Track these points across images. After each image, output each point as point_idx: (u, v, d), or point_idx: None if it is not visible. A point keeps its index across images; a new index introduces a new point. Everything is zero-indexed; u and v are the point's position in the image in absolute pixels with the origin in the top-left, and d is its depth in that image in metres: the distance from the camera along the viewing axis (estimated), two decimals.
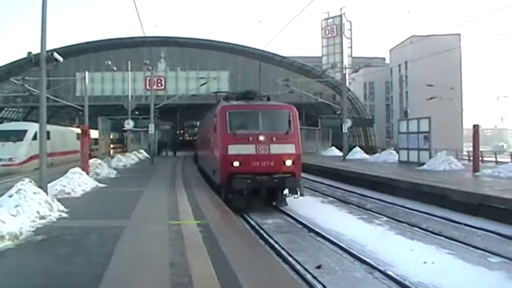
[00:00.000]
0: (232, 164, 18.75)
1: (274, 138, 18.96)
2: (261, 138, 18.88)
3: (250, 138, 18.87)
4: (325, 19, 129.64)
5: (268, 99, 22.33)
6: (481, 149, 34.02)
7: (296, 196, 19.62)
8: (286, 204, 19.87)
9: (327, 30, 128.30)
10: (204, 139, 28.55)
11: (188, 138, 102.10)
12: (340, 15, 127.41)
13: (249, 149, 18.81)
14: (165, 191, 20.25)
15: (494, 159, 46.05)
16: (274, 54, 68.87)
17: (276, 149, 18.91)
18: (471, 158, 36.20)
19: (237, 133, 19.20)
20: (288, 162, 19.07)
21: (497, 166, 29.15)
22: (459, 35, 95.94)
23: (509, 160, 41.62)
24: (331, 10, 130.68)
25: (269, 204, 20.06)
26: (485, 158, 45.10)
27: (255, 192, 19.01)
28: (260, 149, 18.79)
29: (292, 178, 19.16)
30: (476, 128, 28.29)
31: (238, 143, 18.92)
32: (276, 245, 13.59)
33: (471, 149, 34.16)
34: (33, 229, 11.79)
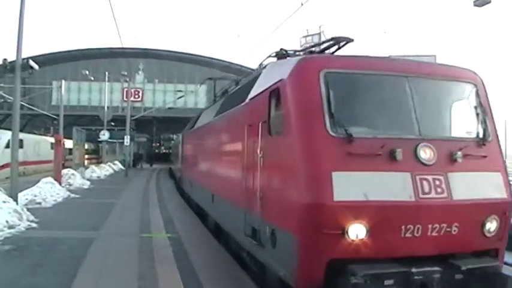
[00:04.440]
0: (343, 232, 6.31)
1: (455, 156, 7.01)
2: (426, 154, 6.87)
3: (398, 156, 6.65)
4: (303, 36, 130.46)
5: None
6: None
7: None
8: None
9: (306, 48, 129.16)
10: (211, 154, 14.27)
11: (164, 151, 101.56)
12: (319, 33, 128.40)
13: (393, 188, 6.59)
14: (138, 204, 20.16)
15: None
16: (252, 69, 69.01)
17: (464, 186, 6.96)
18: None
19: (356, 138, 6.65)
20: (491, 225, 7.16)
21: None
22: (435, 56, 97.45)
23: None
24: (310, 28, 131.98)
25: None
26: None
27: None
28: (425, 188, 6.70)
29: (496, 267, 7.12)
30: None
31: (359, 168, 6.58)
32: None
33: None
34: (1, 238, 11.64)
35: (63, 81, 38.12)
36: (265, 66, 9.66)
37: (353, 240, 6.12)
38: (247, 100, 9.32)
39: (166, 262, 9.77)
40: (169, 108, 61.06)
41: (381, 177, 6.40)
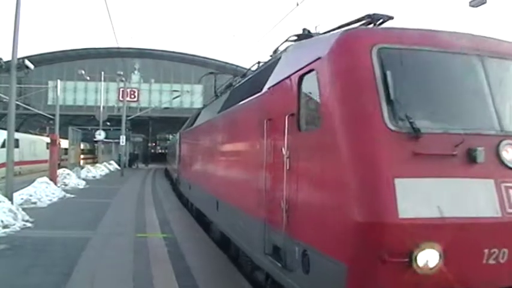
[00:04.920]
0: (410, 260, 4.60)
1: None
2: (510, 154, 5.11)
3: (479, 157, 4.89)
4: None
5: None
6: None
7: None
8: None
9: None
10: (215, 155, 12.64)
11: (160, 151, 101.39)
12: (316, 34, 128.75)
13: (473, 200, 4.83)
14: (134, 203, 20.14)
15: None
16: (247, 69, 68.91)
17: None
18: None
19: (424, 133, 4.91)
20: None
21: None
22: None
23: None
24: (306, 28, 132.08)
25: None
26: None
27: None
28: None
29: None
30: None
31: (429, 173, 4.81)
32: None
33: None
34: None
35: (58, 80, 38.04)
36: (284, 50, 7.99)
37: (422, 270, 4.56)
38: (264, 90, 7.69)
39: (161, 262, 9.76)
40: (165, 108, 61.16)
41: (458, 186, 4.76)
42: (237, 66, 66.39)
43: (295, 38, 8.09)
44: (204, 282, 8.42)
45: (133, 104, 63.49)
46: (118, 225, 14.39)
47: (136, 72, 69.79)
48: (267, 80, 7.73)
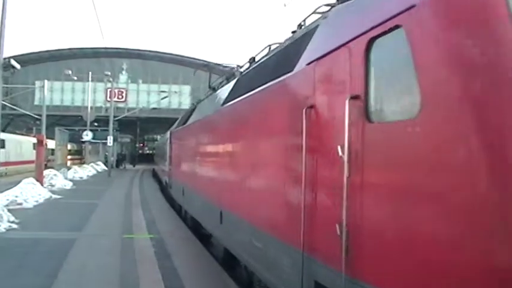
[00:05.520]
0: None
1: None
2: None
3: None
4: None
5: None
6: None
7: None
8: None
9: None
10: (219, 156, 10.58)
11: (148, 151, 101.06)
12: None
13: None
14: (121, 204, 20.09)
15: None
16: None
17: None
18: None
19: None
20: None
21: None
22: None
23: None
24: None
25: None
26: None
27: None
28: None
29: None
30: None
31: None
32: None
33: None
34: None
35: (46, 81, 37.83)
36: (322, 17, 5.97)
37: None
38: (298, 68, 5.74)
39: (148, 262, 9.76)
40: (153, 108, 60.98)
41: None
42: (225, 66, 66.37)
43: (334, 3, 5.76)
44: (191, 282, 8.44)
45: (121, 105, 63.25)
46: (105, 226, 14.35)
47: (124, 72, 69.51)
48: (301, 55, 5.81)
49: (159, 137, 77.38)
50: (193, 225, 14.11)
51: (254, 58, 9.54)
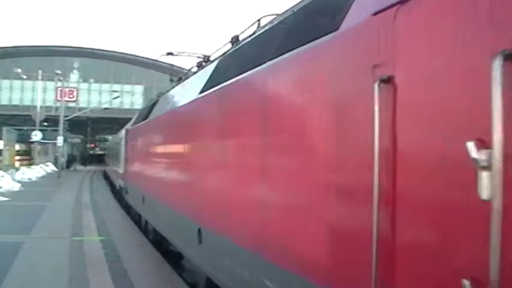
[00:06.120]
0: None
1: None
2: None
3: None
4: None
5: None
6: None
7: None
8: None
9: None
10: (196, 157, 8.01)
11: (99, 152, 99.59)
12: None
13: None
14: (71, 206, 19.78)
15: None
16: (189, 70, 68.73)
17: None
18: None
19: None
20: None
21: None
22: None
23: None
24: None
25: None
26: None
27: None
28: None
29: None
30: None
31: None
32: None
33: None
34: None
35: None
36: None
37: None
38: (355, 21, 3.61)
39: (97, 265, 9.68)
40: (105, 108, 60.20)
41: None
42: (182, 68, 66.21)
43: None
44: (141, 284, 8.42)
45: (72, 104, 62.12)
46: (53, 229, 14.11)
47: (75, 71, 68.38)
48: (351, 3, 3.77)
49: (110, 137, 76.44)
50: (156, 239, 12.11)
51: (238, 37, 7.86)
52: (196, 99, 8.05)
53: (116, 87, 63.18)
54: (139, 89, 67.99)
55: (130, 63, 67.78)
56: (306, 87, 4.25)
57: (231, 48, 7.66)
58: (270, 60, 5.02)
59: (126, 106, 63.97)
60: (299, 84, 4.42)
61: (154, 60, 68.30)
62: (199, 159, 7.72)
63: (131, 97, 64.26)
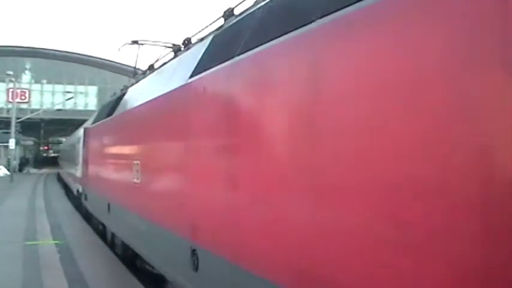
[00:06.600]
0: None
1: None
2: None
3: None
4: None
5: None
6: None
7: None
8: None
9: None
10: (180, 157, 6.22)
11: (53, 154, 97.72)
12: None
13: None
14: (24, 210, 19.37)
15: None
16: (144, 71, 68.17)
17: None
18: None
19: None
20: None
21: None
22: None
23: None
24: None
25: None
26: None
27: None
28: None
29: None
30: None
31: None
32: None
33: None
34: None
35: None
36: None
37: None
38: None
39: (52, 269, 9.54)
40: (58, 110, 59.06)
41: None
42: (137, 68, 65.47)
43: None
44: (98, 287, 8.36)
45: (24, 106, 60.81)
46: (6, 233, 13.81)
47: (27, 72, 66.90)
48: None
49: (64, 139, 75.09)
50: (126, 256, 10.27)
51: (233, 10, 6.02)
52: (185, 85, 6.17)
53: (70, 88, 62.22)
54: (93, 90, 66.97)
55: (84, 64, 66.74)
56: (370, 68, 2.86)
57: (224, 23, 6.07)
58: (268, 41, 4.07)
59: (80, 107, 63.10)
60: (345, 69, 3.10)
61: (109, 60, 67.81)
62: (190, 159, 5.92)
63: (85, 98, 63.29)
